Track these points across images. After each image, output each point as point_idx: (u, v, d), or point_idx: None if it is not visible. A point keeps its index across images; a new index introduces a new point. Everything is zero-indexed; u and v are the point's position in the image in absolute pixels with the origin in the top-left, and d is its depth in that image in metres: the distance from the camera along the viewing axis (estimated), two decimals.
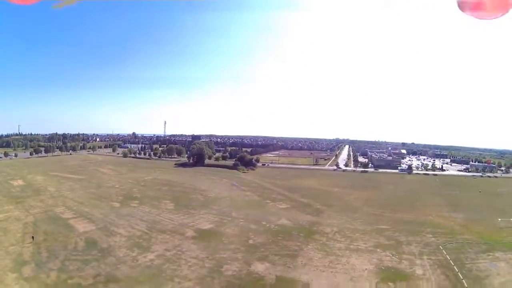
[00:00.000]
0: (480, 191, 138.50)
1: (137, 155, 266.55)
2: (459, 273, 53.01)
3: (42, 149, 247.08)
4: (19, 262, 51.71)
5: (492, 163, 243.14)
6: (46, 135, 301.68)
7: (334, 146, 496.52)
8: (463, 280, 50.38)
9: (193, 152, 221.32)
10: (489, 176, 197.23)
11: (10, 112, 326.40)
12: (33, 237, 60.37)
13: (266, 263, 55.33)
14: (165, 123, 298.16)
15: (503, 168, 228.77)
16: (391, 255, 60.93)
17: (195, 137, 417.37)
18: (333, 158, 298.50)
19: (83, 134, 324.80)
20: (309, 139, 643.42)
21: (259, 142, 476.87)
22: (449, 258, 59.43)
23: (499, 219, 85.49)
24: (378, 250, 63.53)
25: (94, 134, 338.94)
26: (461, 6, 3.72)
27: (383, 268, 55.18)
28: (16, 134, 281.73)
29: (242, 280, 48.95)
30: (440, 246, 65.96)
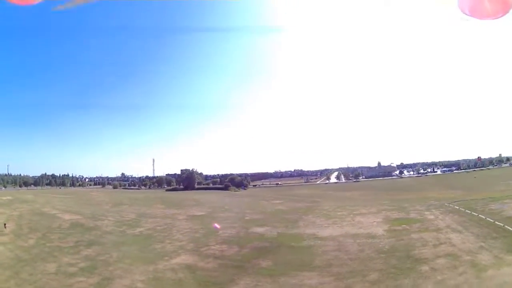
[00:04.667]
0: (475, 177, 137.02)
1: (127, 187, 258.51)
2: (472, 213, 49.71)
3: (32, 185, 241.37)
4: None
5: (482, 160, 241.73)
6: (35, 176, 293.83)
7: (323, 171, 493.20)
8: (479, 215, 46.98)
9: (182, 177, 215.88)
10: (482, 169, 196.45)
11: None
12: (5, 225, 52.64)
13: (265, 227, 51.37)
14: (153, 161, 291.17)
15: (494, 163, 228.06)
16: (397, 212, 57.67)
17: (183, 171, 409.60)
18: (323, 178, 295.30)
19: (73, 176, 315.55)
20: (297, 170, 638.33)
21: (248, 174, 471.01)
22: (458, 208, 56.20)
23: (501, 182, 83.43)
24: (383, 211, 60.15)
25: (82, 176, 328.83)
26: (461, 7, 3.22)
27: (392, 219, 51.80)
28: (6, 175, 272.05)
29: (241, 238, 44.90)
30: (446, 203, 62.69)
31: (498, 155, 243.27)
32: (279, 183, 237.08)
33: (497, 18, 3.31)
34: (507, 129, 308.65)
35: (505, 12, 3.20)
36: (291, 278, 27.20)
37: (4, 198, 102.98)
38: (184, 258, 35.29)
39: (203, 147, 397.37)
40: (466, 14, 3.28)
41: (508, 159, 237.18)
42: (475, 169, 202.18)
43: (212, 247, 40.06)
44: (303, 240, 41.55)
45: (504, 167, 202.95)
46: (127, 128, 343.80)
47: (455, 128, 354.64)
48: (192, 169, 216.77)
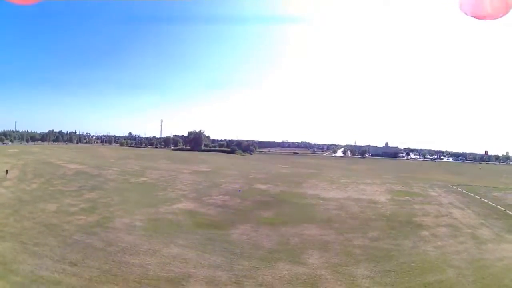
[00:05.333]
0: (480, 168, 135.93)
1: (133, 145, 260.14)
2: (475, 196, 49.46)
3: (39, 140, 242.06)
4: (2, 182, 45.70)
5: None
6: (42, 133, 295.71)
7: (330, 146, 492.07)
8: (482, 199, 46.68)
9: (189, 138, 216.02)
10: (488, 163, 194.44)
11: (7, 110, 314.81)
12: (7, 171, 51.59)
13: (269, 185, 51.86)
14: (161, 122, 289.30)
15: (501, 159, 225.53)
16: (401, 186, 57.67)
17: (191, 132, 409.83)
18: (330, 152, 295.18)
19: (80, 133, 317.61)
20: (304, 142, 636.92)
21: (255, 141, 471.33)
22: (461, 190, 55.89)
23: (504, 176, 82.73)
24: (387, 184, 60.21)
25: (89, 134, 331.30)
26: (461, 7, 3.37)
27: (395, 190, 51.79)
28: (13, 131, 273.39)
29: (244, 192, 45.21)
30: (449, 185, 62.37)
31: (505, 153, 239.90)
32: (297, 152, 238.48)
33: (497, 18, 3.34)
34: None
35: (506, 12, 3.24)
36: (291, 228, 27.40)
37: (11, 150, 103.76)
38: (185, 204, 35.66)
39: (212, 112, 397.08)
40: (467, 14, 3.34)
41: None
42: (481, 162, 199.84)
43: (215, 197, 40.52)
44: (305, 198, 41.88)
45: (510, 164, 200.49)
46: (136, 88, 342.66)
47: (465, 122, 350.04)
48: (200, 130, 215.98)
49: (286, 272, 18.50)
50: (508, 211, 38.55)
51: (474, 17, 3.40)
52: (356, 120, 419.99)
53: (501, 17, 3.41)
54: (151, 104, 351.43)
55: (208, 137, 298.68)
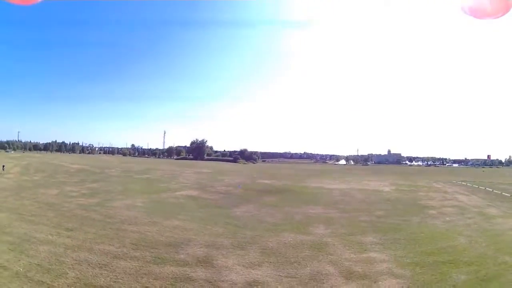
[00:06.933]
0: (483, 171, 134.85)
1: (136, 155, 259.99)
2: (479, 187, 48.90)
3: (41, 150, 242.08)
4: (3, 174, 46.46)
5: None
6: (45, 143, 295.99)
7: (332, 156, 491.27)
8: (486, 189, 46.19)
9: (192, 147, 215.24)
10: (491, 167, 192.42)
11: (10, 120, 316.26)
12: (3, 167, 50.59)
13: (272, 180, 51.43)
14: (164, 133, 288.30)
15: (504, 163, 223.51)
16: (404, 181, 57.00)
17: (193, 142, 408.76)
18: (333, 161, 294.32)
19: (83, 144, 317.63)
20: (307, 152, 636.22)
21: (258, 152, 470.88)
22: (465, 184, 55.26)
23: (507, 175, 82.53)
24: (389, 179, 59.67)
25: (92, 145, 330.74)
26: (462, 6, 3.20)
27: (398, 184, 51.18)
28: (16, 141, 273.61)
29: (247, 185, 44.76)
30: (453, 180, 61.73)
31: (508, 157, 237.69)
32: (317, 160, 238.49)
33: (497, 17, 3.25)
34: None
35: (506, 11, 3.16)
36: (295, 209, 26.92)
37: (13, 155, 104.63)
38: (188, 192, 35.52)
39: (214, 124, 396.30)
40: (466, 14, 3.25)
41: None
42: (484, 166, 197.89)
43: (217, 187, 40.32)
44: (309, 188, 41.62)
45: None
46: (139, 99, 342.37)
47: (466, 127, 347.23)
48: (203, 140, 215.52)
49: (291, 239, 17.98)
50: None
51: (474, 16, 3.21)
52: (359, 129, 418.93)
53: (501, 16, 3.23)
54: (154, 116, 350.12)
55: (211, 147, 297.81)
